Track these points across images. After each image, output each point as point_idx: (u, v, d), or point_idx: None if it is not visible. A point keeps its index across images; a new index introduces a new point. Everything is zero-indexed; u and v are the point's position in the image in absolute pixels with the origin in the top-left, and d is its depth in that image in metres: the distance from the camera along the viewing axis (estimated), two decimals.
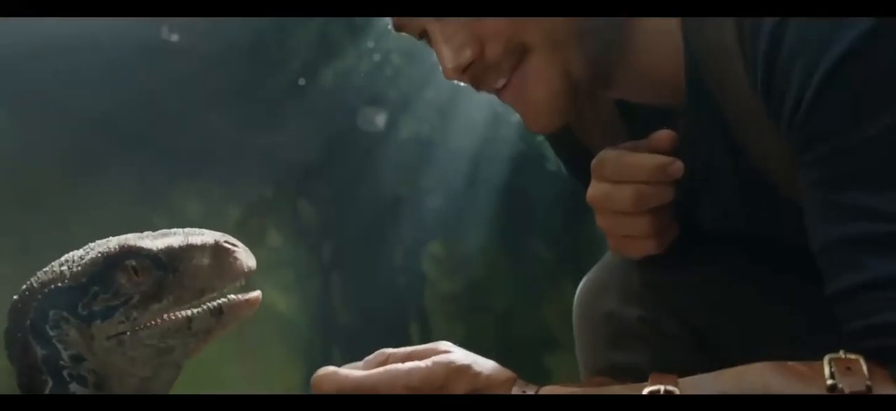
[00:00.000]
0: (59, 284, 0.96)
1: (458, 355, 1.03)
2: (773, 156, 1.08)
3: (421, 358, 1.03)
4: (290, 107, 4.54)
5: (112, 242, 0.97)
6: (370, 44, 4.67)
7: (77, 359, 0.95)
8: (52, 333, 0.95)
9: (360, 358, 1.07)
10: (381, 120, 4.83)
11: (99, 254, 0.96)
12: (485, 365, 1.03)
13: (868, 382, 0.89)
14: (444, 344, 1.06)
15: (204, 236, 0.99)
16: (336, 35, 4.67)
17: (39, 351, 0.96)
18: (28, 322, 0.96)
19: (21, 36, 3.53)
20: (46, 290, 0.96)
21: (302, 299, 4.66)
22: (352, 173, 4.70)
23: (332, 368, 1.04)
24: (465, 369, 1.01)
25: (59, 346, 0.95)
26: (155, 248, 0.96)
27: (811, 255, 1.00)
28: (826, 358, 0.92)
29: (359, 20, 4.52)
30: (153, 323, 0.95)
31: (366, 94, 4.81)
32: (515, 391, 1.00)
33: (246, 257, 1.00)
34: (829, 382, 0.90)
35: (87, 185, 3.90)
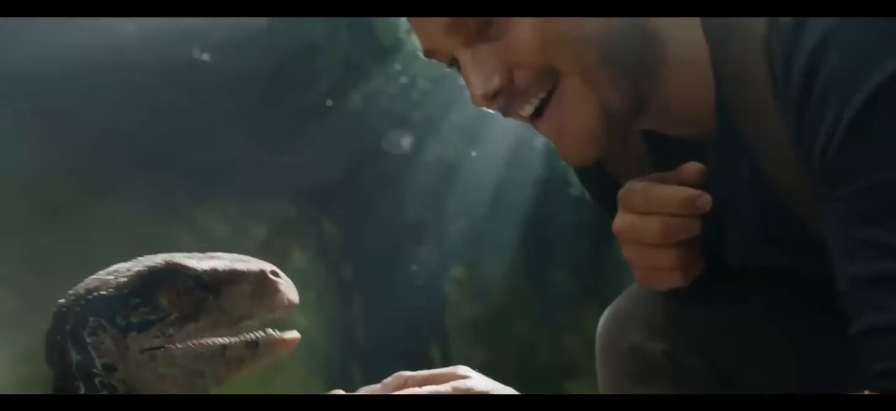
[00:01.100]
0: (103, 292, 0.96)
1: (477, 380, 1.03)
2: (801, 192, 1.06)
3: (440, 382, 1.03)
4: (317, 128, 4.56)
5: (159, 258, 0.96)
6: (397, 67, 4.68)
7: (109, 368, 0.95)
8: (88, 340, 0.95)
9: (379, 378, 1.06)
10: (406, 142, 4.84)
11: (145, 268, 0.96)
12: (504, 391, 1.02)
13: None
14: (463, 369, 1.05)
15: (249, 263, 0.98)
16: (364, 57, 4.69)
17: (75, 357, 0.96)
18: (68, 326, 0.96)
19: (48, 52, 3.56)
20: (90, 297, 0.96)
21: (323, 318, 4.66)
22: (376, 195, 4.71)
23: (340, 392, 1.04)
24: (484, 396, 1.01)
25: (94, 354, 0.95)
26: (199, 269, 0.95)
27: (836, 293, 1.00)
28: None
29: (386, 42, 4.54)
30: (188, 343, 0.94)
31: (392, 116, 4.82)
32: None
33: (289, 291, 0.99)
34: None
35: (112, 201, 3.92)
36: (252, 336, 0.96)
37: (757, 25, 1.05)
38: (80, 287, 0.98)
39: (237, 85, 4.29)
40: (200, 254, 0.99)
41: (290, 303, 0.98)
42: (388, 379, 1.05)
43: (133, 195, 3.95)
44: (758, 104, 1.07)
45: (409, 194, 4.80)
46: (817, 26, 0.97)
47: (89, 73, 3.69)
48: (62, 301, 0.98)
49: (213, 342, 0.95)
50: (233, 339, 0.95)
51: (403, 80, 4.73)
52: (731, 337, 1.33)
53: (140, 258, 0.98)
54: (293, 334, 0.99)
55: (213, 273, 0.96)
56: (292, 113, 4.50)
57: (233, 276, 0.96)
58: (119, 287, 0.95)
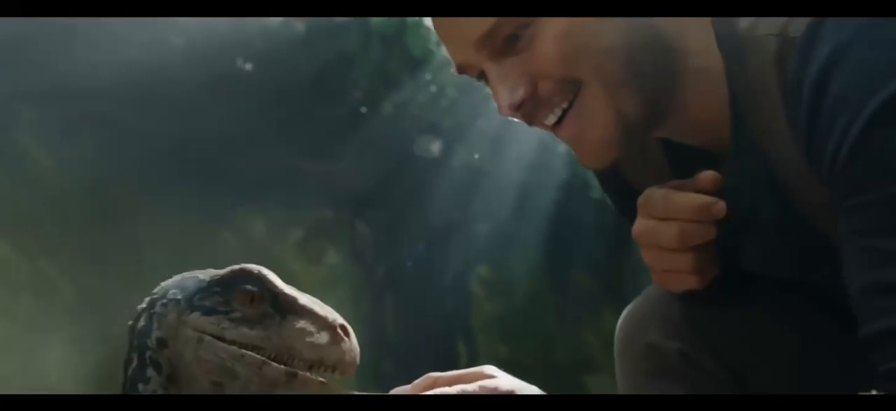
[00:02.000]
0: (199, 275, 0.97)
1: (503, 381, 1.02)
2: (814, 200, 1.05)
3: (467, 381, 1.02)
4: (351, 135, 4.58)
5: (255, 267, 0.96)
6: (428, 76, 4.69)
7: (161, 344, 0.95)
8: (158, 309, 0.96)
9: (409, 373, 1.05)
10: (436, 148, 4.85)
11: (238, 268, 0.96)
12: (528, 390, 1.01)
13: None
14: (490, 369, 1.04)
15: (326, 310, 0.97)
16: (396, 68, 4.70)
17: (141, 324, 0.97)
18: (155, 295, 0.97)
19: (101, 65, 3.60)
20: (186, 277, 0.97)
21: (355, 315, 4.68)
22: (406, 198, 4.72)
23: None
24: (509, 395, 1.00)
25: (155, 324, 0.95)
26: (279, 288, 0.96)
27: (847, 299, 0.99)
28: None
29: (417, 53, 4.55)
30: (236, 342, 0.94)
31: (422, 123, 4.84)
32: None
33: (350, 352, 0.96)
34: None
35: (161, 204, 3.95)
36: (293, 369, 0.94)
37: (769, 40, 1.04)
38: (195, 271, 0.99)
39: (276, 95, 4.32)
40: (297, 290, 0.98)
41: (344, 364, 0.95)
42: (418, 381, 1.04)
43: (180, 198, 3.98)
44: (770, 116, 1.06)
45: (438, 197, 4.81)
46: (827, 44, 0.96)
47: (140, 85, 3.73)
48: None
49: (260, 353, 0.94)
50: (275, 364, 0.94)
51: (433, 89, 4.74)
52: (743, 339, 1.32)
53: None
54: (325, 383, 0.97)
55: (290, 299, 0.95)
56: (328, 120, 4.52)
57: (305, 311, 0.95)
58: (212, 276, 0.96)
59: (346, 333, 0.95)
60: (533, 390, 1.02)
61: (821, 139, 0.97)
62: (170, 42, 3.89)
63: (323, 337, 0.94)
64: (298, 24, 4.33)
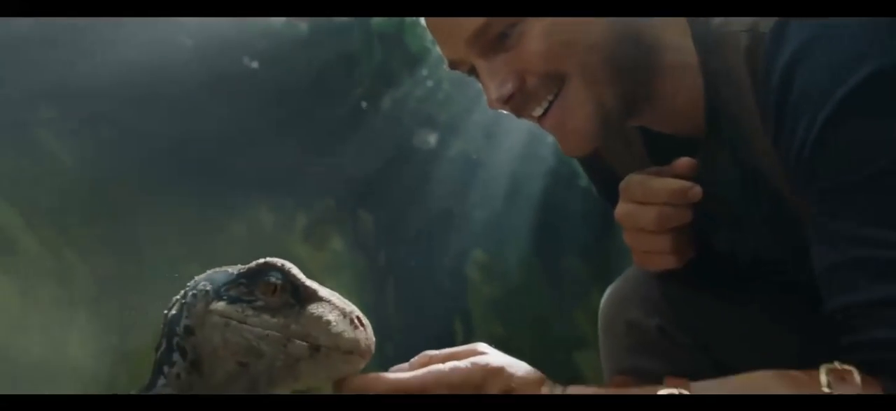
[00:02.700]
0: (228, 269, 0.99)
1: (494, 357, 1.03)
2: (782, 185, 1.07)
3: (460, 358, 1.03)
4: (353, 129, 4.57)
5: (279, 261, 0.98)
6: (424, 72, 4.69)
7: (188, 332, 0.97)
8: (188, 299, 0.98)
9: (410, 354, 1.06)
10: (432, 140, 4.84)
11: (263, 261, 0.98)
12: (518, 366, 1.02)
13: (859, 390, 0.89)
14: (481, 346, 1.05)
15: (344, 302, 0.99)
16: (394, 65, 4.70)
17: (174, 312, 0.99)
18: (188, 287, 1.00)
19: (110, 64, 3.60)
20: (216, 272, 1.00)
21: (359, 298, 4.63)
22: (406, 187, 4.72)
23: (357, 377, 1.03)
24: (499, 370, 1.01)
25: (184, 312, 0.98)
26: (299, 280, 0.98)
27: (813, 277, 1.00)
28: (822, 368, 0.92)
29: (414, 50, 4.55)
30: (260, 321, 0.95)
31: (420, 116, 4.83)
32: (544, 390, 0.99)
33: (365, 339, 0.98)
34: (825, 389, 0.90)
35: (175, 196, 3.95)
36: (317, 341, 0.95)
37: (741, 37, 1.06)
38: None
39: (282, 92, 4.32)
40: (315, 283, 0.99)
41: (360, 350, 0.97)
42: (415, 359, 1.05)
43: (192, 191, 3.98)
44: (742, 106, 1.08)
45: (435, 186, 4.81)
46: (793, 40, 0.98)
47: (153, 85, 3.73)
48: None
49: (283, 332, 0.95)
50: (299, 340, 0.95)
51: (429, 84, 4.73)
52: (717, 315, 1.34)
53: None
54: (359, 350, 0.97)
55: (310, 291, 0.97)
56: (331, 116, 4.52)
57: (323, 302, 0.97)
58: (239, 269, 0.99)
59: (362, 323, 0.97)
60: (522, 366, 1.03)
61: (788, 129, 0.99)
62: (181, 43, 3.89)
63: (340, 326, 0.96)
64: (302, 25, 4.32)
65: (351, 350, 0.96)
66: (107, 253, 3.80)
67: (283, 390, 0.98)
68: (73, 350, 3.60)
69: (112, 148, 3.93)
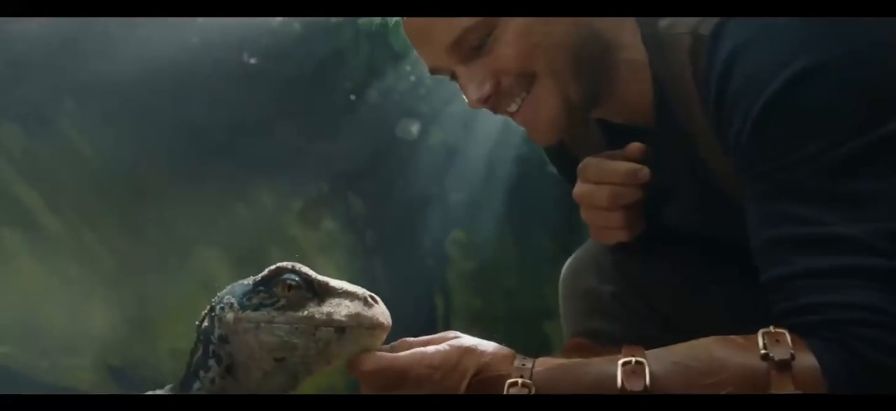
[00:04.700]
0: (244, 281, 1.00)
1: (466, 339, 1.03)
2: (723, 169, 1.09)
3: (436, 343, 1.02)
4: (344, 120, 4.56)
5: (289, 264, 0.98)
6: (408, 68, 4.67)
7: (223, 340, 0.98)
8: (217, 312, 0.98)
9: (396, 326, 1.04)
10: (415, 130, 4.83)
11: (276, 267, 0.98)
12: (488, 345, 1.02)
13: (791, 351, 0.90)
14: (453, 332, 1.05)
15: (355, 287, 0.99)
16: (381, 60, 4.68)
17: (206, 324, 1.00)
18: (215, 300, 1.00)
19: (128, 60, 3.58)
20: (235, 285, 1.00)
21: (350, 275, 4.59)
22: (391, 173, 4.71)
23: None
24: (473, 348, 1.00)
25: (216, 323, 0.98)
26: (312, 276, 0.98)
27: (749, 250, 1.02)
28: (759, 333, 0.93)
29: (398, 48, 4.53)
30: (288, 317, 0.95)
31: (403, 108, 4.81)
32: (516, 363, 0.98)
33: (381, 315, 0.98)
34: (762, 351, 0.90)
35: (185, 181, 3.94)
36: (340, 324, 0.95)
37: (684, 38, 1.07)
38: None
39: (281, 85, 4.30)
40: (324, 277, 1.00)
41: (379, 324, 0.97)
42: (395, 343, 1.04)
43: (200, 176, 3.96)
44: (686, 98, 1.09)
45: (418, 172, 4.80)
46: (731, 40, 0.99)
47: (164, 78, 3.71)
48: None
49: (310, 323, 0.95)
50: (325, 323, 0.95)
51: (412, 78, 4.71)
52: (664, 283, 1.35)
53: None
54: (379, 324, 0.97)
55: (323, 283, 0.98)
56: (324, 108, 4.50)
57: (337, 290, 0.98)
58: (254, 279, 0.99)
59: (375, 300, 0.99)
60: (493, 345, 1.02)
61: (727, 119, 1.00)
62: (189, 41, 3.87)
63: (357, 306, 0.97)
64: (296, 24, 4.30)
65: (372, 325, 0.97)
66: (123, 233, 3.79)
67: (319, 373, 0.99)
68: (93, 321, 3.60)
69: (127, 138, 3.92)
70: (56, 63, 3.55)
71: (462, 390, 0.97)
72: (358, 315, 0.96)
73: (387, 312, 0.99)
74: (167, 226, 3.75)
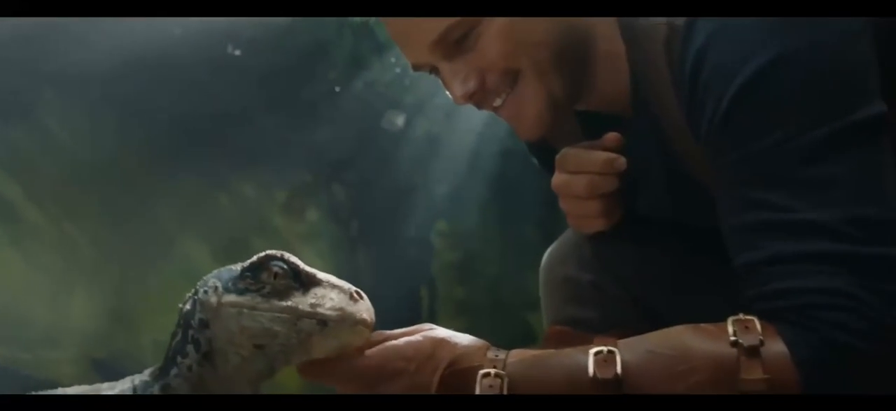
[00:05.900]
0: (232, 267, 0.99)
1: (440, 331, 1.03)
2: (696, 158, 1.10)
3: (410, 335, 1.03)
4: (328, 110, 4.55)
5: (278, 252, 0.98)
6: (392, 59, 4.66)
7: (203, 324, 0.97)
8: (200, 296, 0.98)
9: (380, 318, 1.03)
10: (400, 121, 4.83)
11: (264, 254, 0.98)
12: (462, 337, 1.02)
13: (761, 337, 0.91)
14: (428, 324, 1.06)
15: (341, 282, 0.99)
16: (365, 52, 4.67)
17: (187, 307, 0.99)
18: (199, 284, 0.99)
19: (111, 52, 3.56)
20: (222, 270, 0.99)
21: (334, 265, 4.64)
22: (376, 163, 4.71)
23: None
24: (446, 340, 1.01)
25: (198, 307, 0.98)
26: (299, 266, 0.98)
27: (721, 237, 1.03)
28: (729, 320, 0.94)
29: (382, 39, 4.52)
30: (270, 305, 0.95)
31: (388, 99, 4.81)
32: (489, 355, 0.99)
33: (365, 311, 0.98)
34: (732, 339, 0.91)
35: (168, 172, 3.93)
36: (322, 316, 0.95)
37: (659, 29, 1.08)
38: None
39: (264, 76, 4.29)
40: (311, 268, 0.99)
41: (362, 320, 0.97)
42: (373, 335, 1.03)
43: (182, 167, 3.95)
44: (661, 89, 1.10)
45: (402, 163, 4.80)
46: (702, 31, 1.00)
47: (145, 69, 3.70)
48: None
49: (293, 313, 0.95)
50: (307, 314, 0.95)
51: (397, 70, 4.71)
52: (640, 270, 1.36)
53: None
54: (362, 321, 0.97)
55: (310, 273, 0.98)
56: (309, 98, 4.50)
57: (323, 282, 0.98)
58: (242, 265, 0.98)
59: (360, 296, 0.98)
60: (466, 337, 1.03)
61: (699, 108, 1.02)
62: (172, 32, 3.86)
63: (342, 300, 0.97)
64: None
65: (355, 321, 0.97)
66: (104, 224, 3.77)
67: (297, 364, 0.98)
68: (75, 312, 3.58)
69: (109, 129, 3.91)
70: (35, 53, 3.53)
71: (436, 381, 0.97)
72: (342, 309, 0.96)
73: (371, 309, 0.99)
74: (149, 217, 3.74)
